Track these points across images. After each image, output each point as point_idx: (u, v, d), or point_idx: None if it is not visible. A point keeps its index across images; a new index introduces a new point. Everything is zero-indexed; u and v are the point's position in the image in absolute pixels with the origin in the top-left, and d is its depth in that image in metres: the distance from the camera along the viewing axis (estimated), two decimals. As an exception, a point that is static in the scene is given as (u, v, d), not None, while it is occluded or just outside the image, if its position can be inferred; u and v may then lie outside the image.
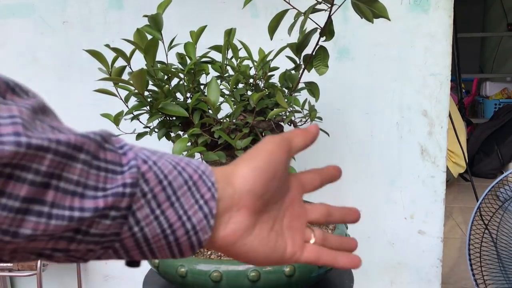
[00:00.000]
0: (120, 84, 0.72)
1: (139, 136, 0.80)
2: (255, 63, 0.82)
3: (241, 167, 0.34)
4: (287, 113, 0.79)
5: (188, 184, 0.31)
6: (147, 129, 0.80)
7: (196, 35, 0.80)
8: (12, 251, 0.26)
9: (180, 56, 0.81)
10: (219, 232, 0.33)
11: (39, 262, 1.14)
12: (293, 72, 0.84)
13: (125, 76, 0.74)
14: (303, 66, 0.81)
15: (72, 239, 0.27)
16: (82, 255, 0.29)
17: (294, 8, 0.73)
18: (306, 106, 0.83)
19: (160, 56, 0.74)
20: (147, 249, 0.30)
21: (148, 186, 0.29)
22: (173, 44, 0.80)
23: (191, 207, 0.31)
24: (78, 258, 0.29)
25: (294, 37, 0.79)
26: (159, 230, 0.29)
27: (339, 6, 0.75)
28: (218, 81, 0.77)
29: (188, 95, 0.78)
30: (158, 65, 0.77)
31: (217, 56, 0.83)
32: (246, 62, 0.84)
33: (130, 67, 0.73)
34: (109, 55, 0.70)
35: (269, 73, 0.83)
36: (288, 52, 0.82)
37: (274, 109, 0.73)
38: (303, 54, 0.81)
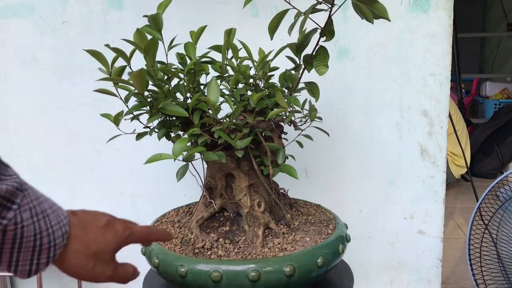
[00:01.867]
0: (120, 84, 0.72)
1: (139, 136, 0.80)
2: (255, 63, 0.82)
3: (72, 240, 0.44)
4: (287, 113, 0.79)
5: (53, 208, 0.42)
6: (147, 129, 0.80)
7: (196, 35, 0.80)
8: None
9: (180, 56, 0.81)
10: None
11: (39, 262, 1.14)
12: (293, 72, 0.84)
13: (125, 76, 0.74)
14: (303, 66, 0.81)
15: None
16: None
17: (294, 8, 0.73)
18: (306, 106, 0.83)
19: (160, 56, 0.74)
20: (17, 247, 0.39)
21: (29, 197, 0.40)
22: (173, 44, 0.80)
23: (55, 224, 0.42)
24: None
25: (294, 37, 0.79)
26: (32, 232, 0.39)
27: (339, 6, 0.75)
28: (218, 81, 0.77)
29: (188, 95, 0.78)
30: (158, 65, 0.77)
31: (217, 56, 0.83)
32: (246, 62, 0.84)
33: (130, 67, 0.73)
34: (109, 55, 0.70)
35: (269, 73, 0.83)
36: (288, 52, 0.81)
37: (274, 109, 0.73)
38: (303, 54, 0.81)
